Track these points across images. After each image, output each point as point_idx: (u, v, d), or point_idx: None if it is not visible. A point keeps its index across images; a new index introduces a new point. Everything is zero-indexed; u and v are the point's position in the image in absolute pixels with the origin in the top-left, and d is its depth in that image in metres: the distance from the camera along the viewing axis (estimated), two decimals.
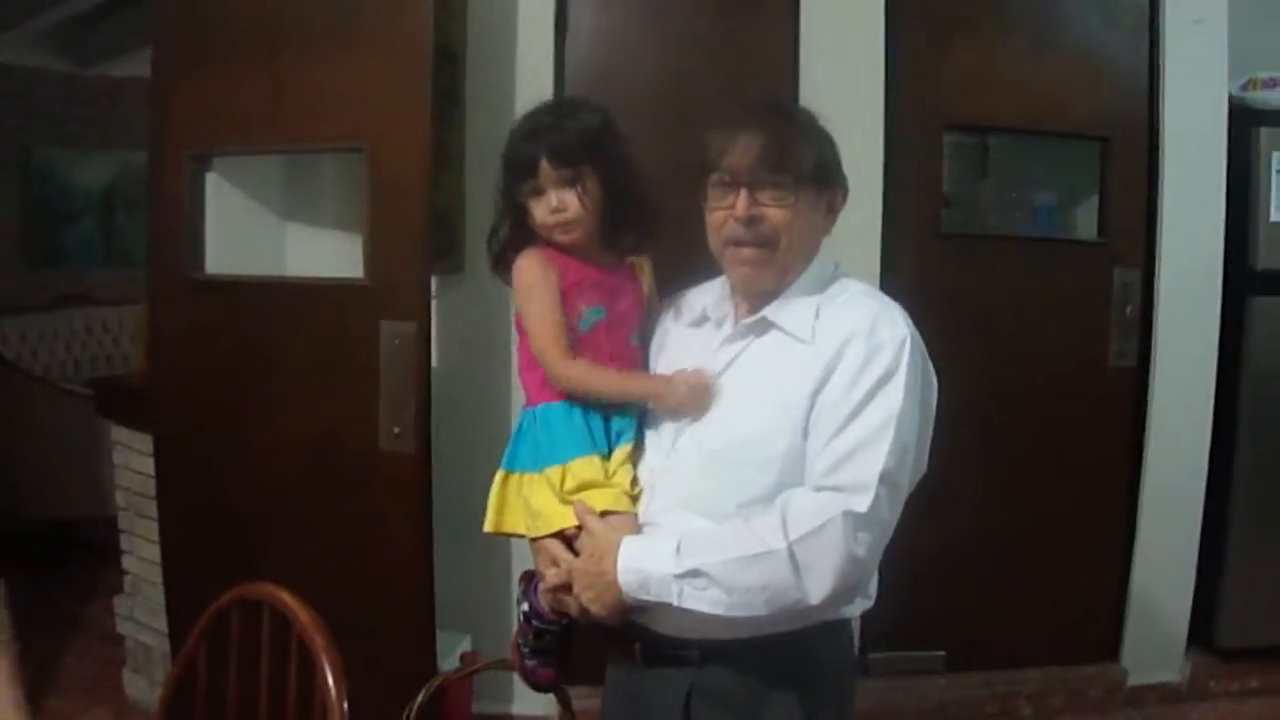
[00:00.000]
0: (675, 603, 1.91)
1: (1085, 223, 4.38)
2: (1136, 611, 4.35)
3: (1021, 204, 4.54)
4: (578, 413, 2.14)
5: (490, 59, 3.77)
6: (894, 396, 1.91)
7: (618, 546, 1.99)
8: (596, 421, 2.15)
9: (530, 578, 2.30)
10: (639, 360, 2.28)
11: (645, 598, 1.95)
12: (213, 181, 3.74)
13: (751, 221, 2.01)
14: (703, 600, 1.90)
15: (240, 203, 3.82)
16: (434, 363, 3.36)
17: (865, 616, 2.15)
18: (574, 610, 2.11)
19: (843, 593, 1.89)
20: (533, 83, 3.76)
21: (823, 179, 2.05)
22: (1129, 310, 4.20)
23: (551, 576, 2.11)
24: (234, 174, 3.77)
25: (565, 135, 2.13)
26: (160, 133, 3.70)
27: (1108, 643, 4.39)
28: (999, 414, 4.05)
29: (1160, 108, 4.15)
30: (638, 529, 2.07)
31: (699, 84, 3.78)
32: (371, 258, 3.35)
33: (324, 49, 3.38)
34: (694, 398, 2.06)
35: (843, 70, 3.78)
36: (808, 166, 2.01)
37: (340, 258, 3.79)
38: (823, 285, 2.08)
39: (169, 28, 3.67)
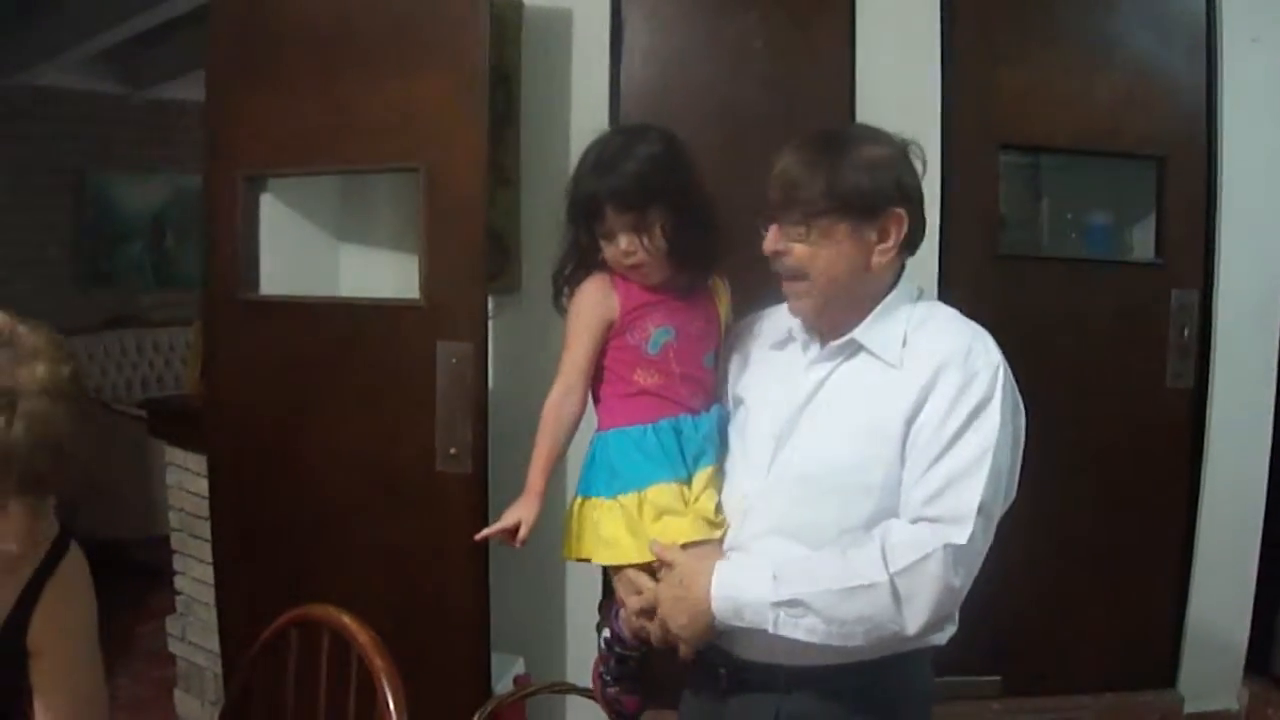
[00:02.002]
0: (770, 629, 1.90)
1: (1141, 243, 4.35)
2: (1193, 638, 4.29)
3: (1076, 225, 4.51)
4: (652, 436, 2.12)
5: (545, 80, 3.76)
6: (990, 425, 1.91)
7: (708, 572, 1.97)
8: (672, 444, 2.13)
9: (611, 605, 2.28)
10: (710, 380, 2.25)
11: (738, 624, 1.94)
12: (267, 202, 3.74)
13: (777, 256, 2.03)
14: (799, 628, 1.89)
15: (295, 223, 3.82)
16: (489, 383, 3.35)
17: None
18: (656, 636, 2.10)
19: (937, 622, 1.89)
20: (588, 103, 3.76)
21: (859, 209, 2.00)
22: (1187, 331, 4.15)
23: (635, 602, 2.10)
24: (289, 195, 3.78)
25: (626, 179, 2.10)
26: (215, 154, 3.71)
27: (1164, 669, 4.33)
28: (1055, 436, 4.00)
29: (1218, 126, 4.11)
30: (721, 556, 2.06)
31: (754, 105, 3.76)
32: (428, 278, 3.34)
33: (380, 70, 3.38)
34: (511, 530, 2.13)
35: (898, 91, 3.76)
36: (827, 198, 1.98)
37: (395, 278, 3.78)
38: (909, 310, 2.06)
39: (223, 50, 3.68)
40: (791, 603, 1.88)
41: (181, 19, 6.53)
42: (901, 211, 2.01)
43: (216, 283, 3.73)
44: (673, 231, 2.12)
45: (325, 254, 3.95)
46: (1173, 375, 4.18)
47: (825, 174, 1.99)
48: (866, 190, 2.00)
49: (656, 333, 2.17)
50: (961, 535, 1.85)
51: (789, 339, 2.20)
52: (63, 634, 1.91)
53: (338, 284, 3.97)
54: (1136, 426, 4.18)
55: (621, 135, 2.21)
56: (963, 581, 1.87)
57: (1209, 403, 4.20)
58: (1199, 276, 4.17)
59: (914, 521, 1.90)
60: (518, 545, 2.13)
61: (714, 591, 1.94)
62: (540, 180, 3.76)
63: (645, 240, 2.11)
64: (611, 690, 2.30)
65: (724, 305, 2.30)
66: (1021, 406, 2.01)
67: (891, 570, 1.84)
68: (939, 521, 1.87)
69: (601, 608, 2.36)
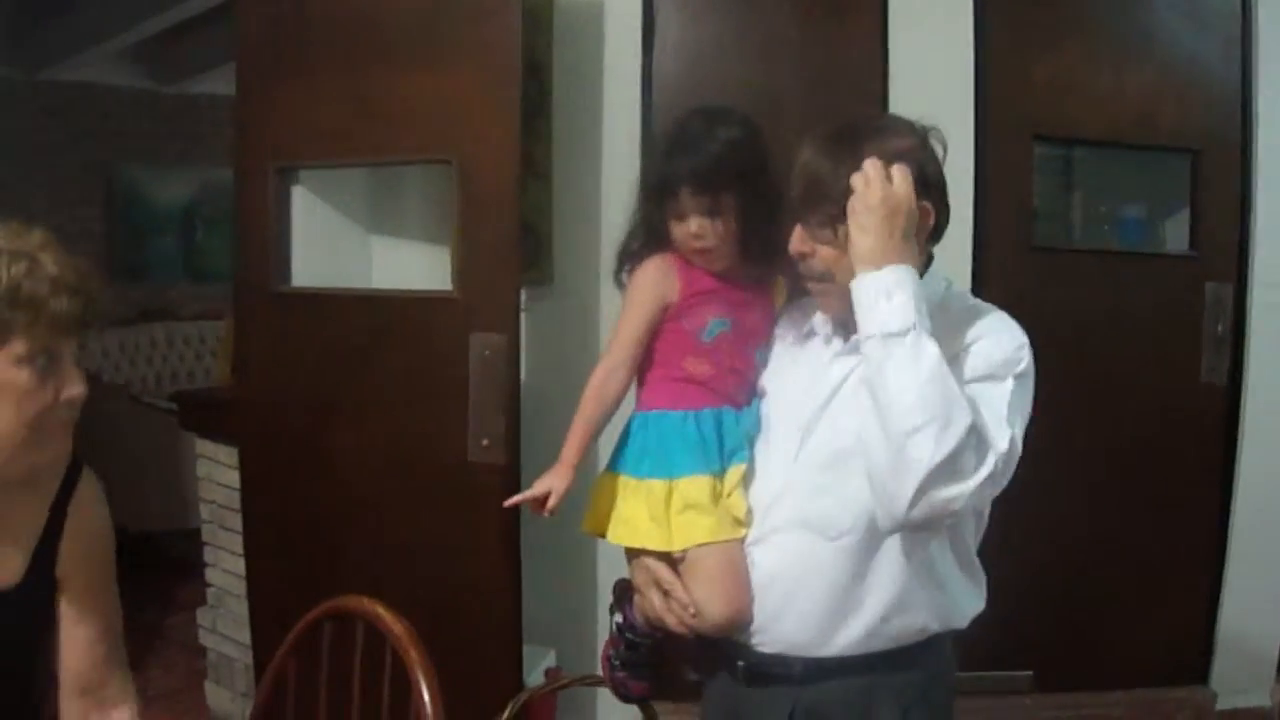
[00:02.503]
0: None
1: (1174, 236, 4.31)
2: (1226, 634, 4.27)
3: (1109, 217, 4.48)
4: (693, 424, 2.10)
5: (577, 70, 3.76)
6: (1009, 382, 1.89)
7: None
8: (711, 436, 2.11)
9: (625, 589, 2.28)
10: (755, 376, 2.23)
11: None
12: (299, 195, 3.75)
13: (802, 258, 2.00)
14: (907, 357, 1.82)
15: (326, 216, 3.83)
16: (522, 375, 3.35)
17: (955, 635, 2.11)
18: (673, 626, 2.09)
19: (924, 505, 1.80)
20: (620, 95, 3.75)
21: None
22: (1221, 325, 4.12)
23: (658, 604, 2.10)
24: (320, 187, 3.78)
25: (704, 161, 2.07)
26: (245, 147, 3.72)
27: (1197, 665, 4.30)
28: (1089, 429, 3.99)
29: (1253, 119, 4.07)
30: (742, 558, 2.06)
31: (788, 95, 3.73)
32: (460, 270, 3.35)
33: (411, 62, 3.38)
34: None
35: (932, 81, 3.73)
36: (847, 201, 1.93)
37: (426, 270, 3.80)
38: (936, 301, 2.02)
39: (253, 42, 3.69)
40: (915, 346, 1.81)
41: (210, 13, 6.55)
42: (927, 204, 1.98)
43: (248, 275, 3.73)
44: (744, 219, 2.10)
45: (357, 246, 3.95)
46: (1207, 369, 4.14)
47: (849, 171, 1.94)
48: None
49: (713, 322, 2.15)
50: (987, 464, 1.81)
51: (812, 333, 2.18)
52: (88, 559, 1.96)
53: (370, 276, 3.97)
54: (1170, 421, 4.14)
55: (703, 116, 2.17)
56: (978, 489, 1.81)
57: (1243, 397, 4.17)
58: (1233, 270, 4.13)
59: None
60: (546, 514, 2.11)
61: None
62: (572, 172, 3.75)
63: (717, 224, 2.09)
64: (620, 674, 2.29)
65: (779, 302, 2.28)
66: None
67: (966, 421, 1.78)
68: None
69: (615, 588, 2.35)
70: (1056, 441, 3.51)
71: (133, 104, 8.50)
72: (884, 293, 1.83)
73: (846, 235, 1.92)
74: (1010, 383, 1.88)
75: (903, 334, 1.80)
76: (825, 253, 1.97)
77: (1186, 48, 4.05)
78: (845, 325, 2.07)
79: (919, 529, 1.88)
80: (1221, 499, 4.22)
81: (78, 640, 1.94)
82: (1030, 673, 4.10)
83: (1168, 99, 4.04)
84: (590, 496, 2.21)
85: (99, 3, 7.05)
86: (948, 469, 1.76)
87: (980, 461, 1.79)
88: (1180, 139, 4.09)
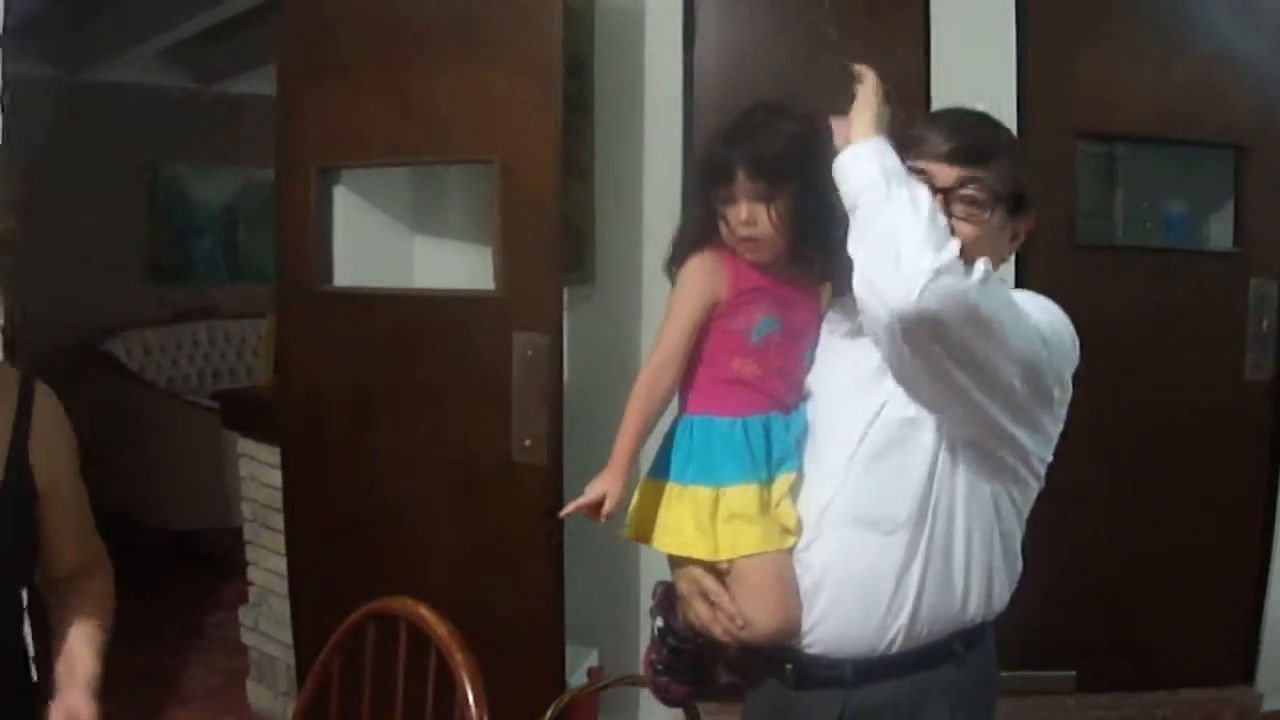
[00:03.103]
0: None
1: (1219, 232, 4.28)
2: (1272, 634, 4.24)
3: (1153, 214, 4.45)
4: (740, 432, 2.07)
5: (619, 69, 3.77)
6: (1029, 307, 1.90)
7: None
8: (760, 444, 2.08)
9: (667, 593, 2.27)
10: (804, 378, 2.20)
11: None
12: (340, 194, 3.77)
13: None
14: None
15: (368, 215, 3.84)
16: (565, 375, 3.35)
17: (997, 635, 2.11)
18: (720, 636, 2.09)
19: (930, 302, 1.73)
20: (661, 93, 3.76)
21: (1017, 204, 1.98)
22: (1265, 322, 4.09)
23: (705, 614, 2.09)
24: (361, 187, 3.80)
25: (764, 148, 2.05)
26: (287, 146, 3.73)
27: (1242, 665, 4.27)
28: (1132, 426, 3.96)
29: None
30: (790, 568, 2.04)
31: (828, 94, 3.72)
32: (503, 269, 3.34)
33: (452, 61, 3.39)
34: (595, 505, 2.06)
35: (974, 79, 3.69)
36: (1007, 185, 1.95)
37: (469, 269, 3.81)
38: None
39: (294, 43, 3.71)
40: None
41: (250, 13, 6.57)
42: (1034, 215, 2.02)
43: (289, 274, 3.75)
44: (798, 213, 2.07)
45: (399, 245, 3.97)
46: (1251, 367, 4.11)
47: (1015, 165, 1.97)
48: (1025, 187, 2.00)
49: (761, 321, 2.11)
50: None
51: (859, 330, 2.16)
52: (54, 455, 2.14)
53: (412, 275, 3.99)
54: (1214, 419, 4.11)
55: (766, 110, 2.14)
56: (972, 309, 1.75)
57: None
58: (1277, 266, 4.10)
59: None
60: (602, 519, 2.06)
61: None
62: (614, 171, 3.76)
63: (770, 213, 2.06)
64: (662, 679, 2.28)
65: (825, 303, 2.27)
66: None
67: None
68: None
69: (656, 592, 2.34)
70: (1100, 439, 3.51)
71: (174, 104, 8.53)
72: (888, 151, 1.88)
73: (996, 220, 1.96)
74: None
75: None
76: (968, 230, 1.92)
77: (1231, 42, 4.01)
78: None
79: (930, 324, 1.75)
80: (1266, 497, 4.19)
81: (53, 522, 2.13)
82: (1073, 673, 4.08)
83: (1212, 95, 4.01)
84: (634, 502, 2.18)
85: (140, 3, 7.09)
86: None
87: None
88: (1224, 135, 4.07)
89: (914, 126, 2.01)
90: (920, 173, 1.94)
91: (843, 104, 1.98)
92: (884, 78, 1.99)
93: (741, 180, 2.04)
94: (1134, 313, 3.99)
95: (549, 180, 3.26)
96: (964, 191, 1.93)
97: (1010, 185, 1.95)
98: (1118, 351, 3.85)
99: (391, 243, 3.93)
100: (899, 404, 1.96)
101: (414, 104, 3.45)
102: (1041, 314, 1.91)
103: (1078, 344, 1.96)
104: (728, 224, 2.09)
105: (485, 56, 3.34)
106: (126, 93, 8.22)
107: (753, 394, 2.11)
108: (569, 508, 2.11)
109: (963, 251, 1.81)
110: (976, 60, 3.80)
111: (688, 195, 2.23)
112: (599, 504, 2.05)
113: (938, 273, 1.69)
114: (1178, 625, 4.14)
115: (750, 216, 2.05)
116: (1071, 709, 4.08)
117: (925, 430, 1.94)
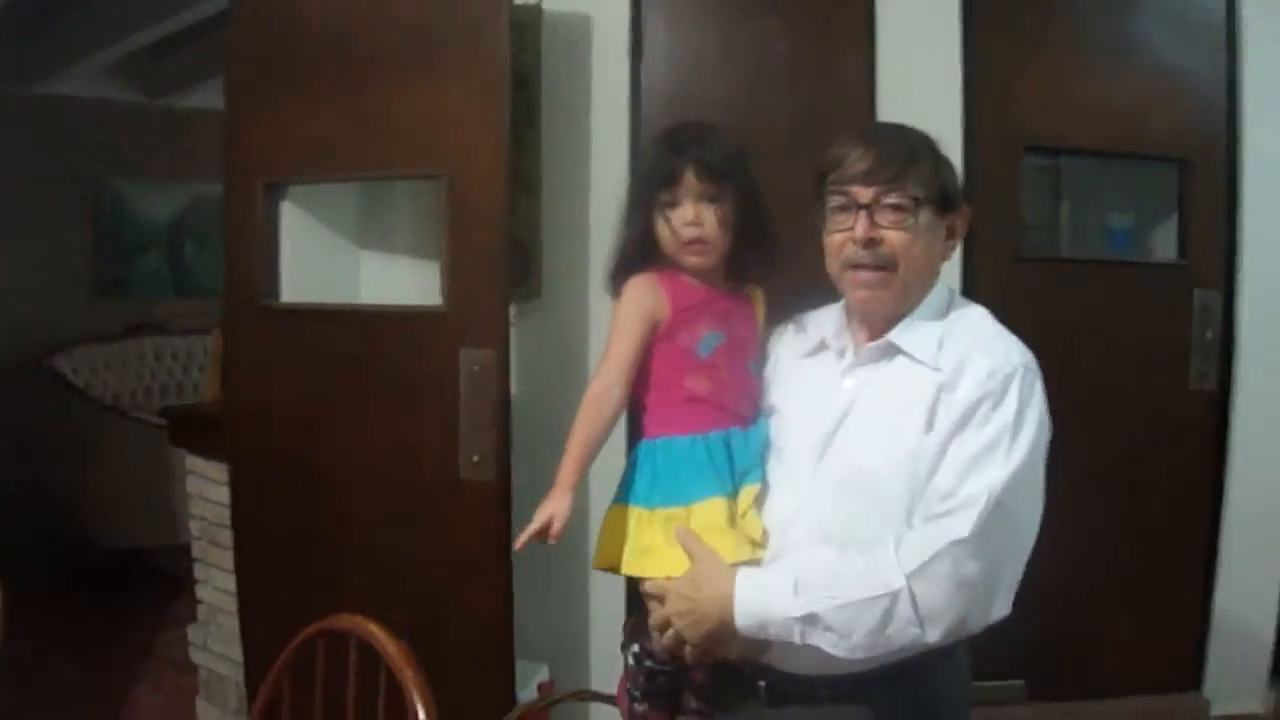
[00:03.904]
0: (797, 641, 1.89)
1: (1162, 244, 4.33)
2: (1219, 641, 4.28)
3: (1098, 226, 4.49)
4: (701, 448, 2.09)
5: (566, 85, 3.76)
6: (1003, 418, 1.89)
7: (725, 580, 1.96)
8: (721, 458, 2.10)
9: (639, 623, 2.26)
10: (757, 387, 2.24)
11: (764, 637, 1.93)
12: (287, 210, 3.74)
13: (870, 244, 1.98)
14: (824, 641, 1.87)
15: (315, 231, 3.82)
16: (512, 390, 3.34)
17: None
18: (692, 654, 2.08)
19: (958, 623, 1.86)
20: (608, 108, 3.75)
21: (944, 202, 2.02)
22: (1209, 333, 4.13)
23: (657, 616, 2.09)
24: (309, 202, 3.77)
25: (713, 151, 2.11)
26: (235, 161, 3.70)
27: (1190, 672, 4.30)
28: (1079, 437, 3.97)
29: (1240, 127, 4.09)
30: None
31: (776, 108, 3.75)
32: (450, 285, 3.33)
33: (400, 76, 3.38)
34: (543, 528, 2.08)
35: (920, 94, 3.73)
36: (928, 188, 1.98)
37: (416, 285, 3.79)
38: (942, 312, 2.05)
39: (243, 57, 3.67)
40: (810, 619, 1.86)
41: (198, 26, 6.55)
42: (968, 209, 2.06)
43: (236, 290, 3.72)
44: (740, 216, 2.14)
45: (346, 261, 3.94)
46: (1196, 376, 4.15)
47: (934, 167, 2.02)
48: (952, 189, 2.04)
49: (707, 335, 2.15)
50: (964, 527, 1.83)
51: (821, 347, 2.19)
52: None
53: (359, 291, 3.97)
54: (1160, 428, 4.15)
55: (699, 123, 2.24)
56: (979, 575, 1.84)
57: (1232, 404, 4.19)
58: (1221, 277, 4.15)
59: (926, 522, 1.89)
60: (552, 542, 2.09)
61: (738, 608, 1.93)
62: (561, 185, 3.75)
63: (714, 214, 2.11)
64: (639, 707, 2.28)
65: (760, 313, 2.29)
66: (1047, 418, 2.01)
67: (906, 572, 1.83)
68: (946, 515, 1.86)
69: (626, 626, 2.34)
70: (1048, 450, 3.52)
71: (122, 118, 8.48)
72: (761, 630, 1.94)
73: (919, 223, 1.98)
74: (1000, 428, 1.90)
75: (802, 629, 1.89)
76: (896, 238, 1.98)
77: (1173, 57, 4.07)
78: (855, 337, 2.12)
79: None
80: (1212, 506, 4.23)
81: None
82: (1021, 682, 4.10)
83: (1155, 108, 4.05)
84: (601, 532, 2.18)
85: (89, 16, 7.04)
86: (958, 617, 1.87)
87: (965, 568, 1.85)
88: (1168, 148, 4.11)
89: (836, 145, 2.05)
90: (841, 193, 2.00)
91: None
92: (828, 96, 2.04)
93: (689, 180, 2.10)
94: (1080, 324, 4.02)
95: (497, 195, 3.25)
96: (886, 201, 1.97)
97: (932, 186, 1.99)
98: (1064, 363, 3.86)
99: (338, 258, 3.91)
100: (856, 446, 2.00)
101: (363, 119, 3.43)
102: (1035, 417, 1.96)
103: (1046, 412, 2.01)
104: (671, 228, 2.13)
105: (433, 71, 3.33)
106: (73, 106, 8.17)
107: (709, 410, 2.13)
108: (521, 538, 2.11)
109: (895, 257, 1.96)
110: (923, 75, 3.83)
111: (625, 213, 2.23)
112: (548, 528, 2.06)
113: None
114: (1126, 633, 4.18)
115: (696, 217, 2.10)
116: (1022, 718, 4.09)
117: (887, 482, 1.96)
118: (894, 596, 1.83)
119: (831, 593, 1.86)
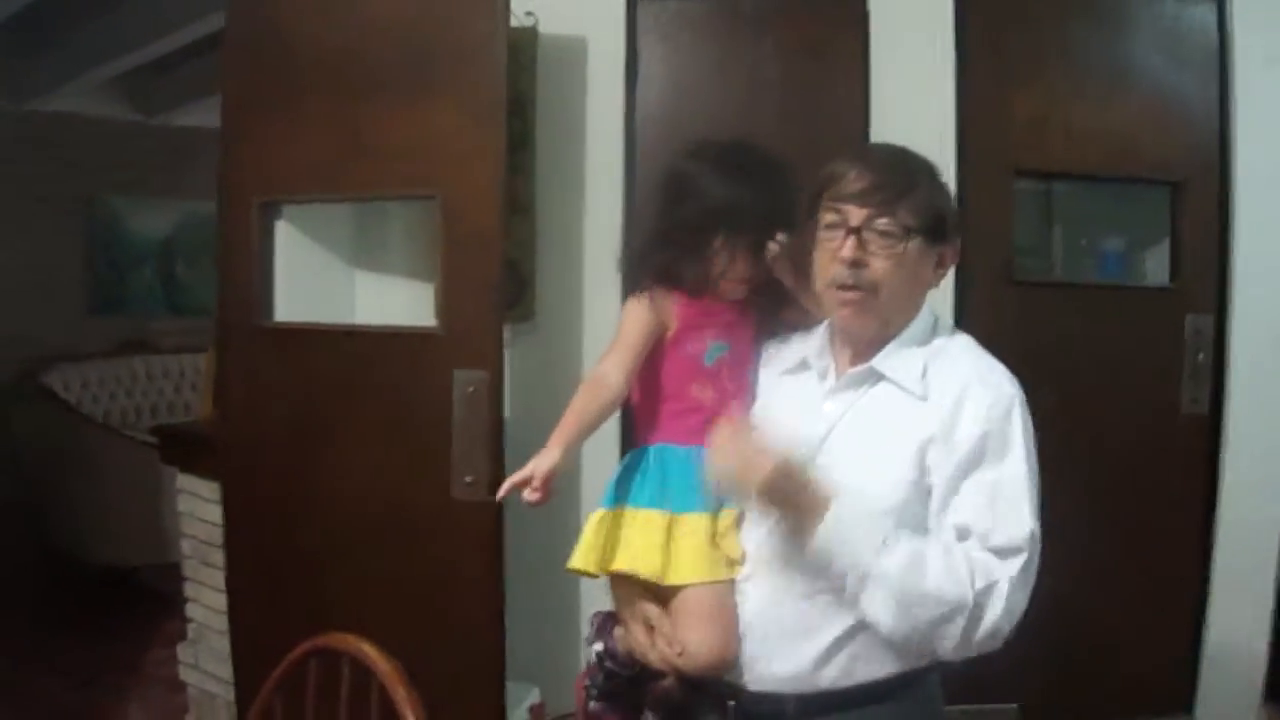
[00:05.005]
0: (848, 590, 1.90)
1: (1154, 268, 4.33)
2: (1210, 664, 4.26)
3: (1090, 250, 4.50)
4: (698, 459, 2.08)
5: (560, 107, 3.77)
6: (1015, 456, 1.95)
7: (825, 491, 1.93)
8: None
9: (606, 620, 2.27)
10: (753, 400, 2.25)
11: (822, 563, 1.92)
12: (282, 229, 3.75)
13: (855, 265, 1.97)
14: (876, 605, 1.88)
15: (309, 250, 3.82)
16: (506, 411, 3.34)
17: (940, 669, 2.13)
18: (656, 663, 2.09)
19: (977, 649, 1.89)
20: (603, 131, 3.77)
21: (936, 233, 2.01)
22: (1201, 356, 4.13)
23: (643, 640, 2.11)
24: (303, 222, 3.78)
25: (792, 201, 2.15)
26: (229, 180, 3.72)
27: (1181, 695, 4.29)
28: (1071, 461, 3.98)
29: (1232, 150, 4.10)
30: (732, 600, 2.05)
31: (769, 130, 3.72)
32: (444, 306, 3.34)
33: (396, 97, 3.39)
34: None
35: (913, 117, 3.73)
36: (921, 217, 1.98)
37: (410, 306, 3.80)
38: (926, 339, 2.06)
39: (239, 76, 3.69)
40: (881, 579, 1.86)
41: (194, 45, 6.56)
42: (959, 242, 2.06)
43: (230, 309, 3.73)
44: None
45: (340, 281, 3.95)
46: (1188, 400, 4.15)
47: (930, 196, 2.01)
48: (947, 220, 2.03)
49: (713, 345, 2.18)
50: (1016, 565, 1.89)
51: (802, 366, 2.19)
52: None
53: (353, 311, 3.97)
54: (1151, 452, 4.14)
55: (750, 149, 2.26)
56: (1021, 607, 1.90)
57: (1224, 428, 4.17)
58: (1213, 301, 4.14)
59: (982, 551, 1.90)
60: (536, 486, 2.01)
61: (831, 517, 1.89)
62: (555, 207, 3.76)
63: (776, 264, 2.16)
64: (595, 705, 2.28)
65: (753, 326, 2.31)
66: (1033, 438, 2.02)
67: (976, 587, 1.85)
68: (1001, 554, 1.89)
69: (594, 620, 2.34)
70: (1040, 474, 3.52)
71: (116, 135, 8.49)
72: (837, 542, 1.90)
73: (906, 251, 1.98)
74: (1015, 464, 1.96)
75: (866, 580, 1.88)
76: (880, 265, 1.98)
77: (1165, 81, 4.07)
78: (838, 359, 2.12)
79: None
80: (1204, 529, 4.22)
81: None
82: (1016, 705, 4.09)
83: (1147, 132, 4.06)
84: (583, 535, 2.17)
85: (86, 33, 7.06)
86: (988, 640, 1.89)
87: (1016, 601, 1.90)
88: (1160, 172, 4.11)
89: (836, 162, 2.05)
90: (834, 210, 2.00)
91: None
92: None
93: (776, 234, 2.14)
94: (1071, 348, 4.01)
95: (491, 217, 3.27)
96: (876, 226, 1.97)
97: (926, 215, 1.99)
98: (1056, 386, 3.87)
99: (332, 278, 3.91)
100: (836, 471, 1.99)
101: (357, 139, 3.44)
102: (1029, 454, 2.01)
103: (1026, 410, 2.03)
104: (718, 266, 2.17)
105: (429, 93, 3.35)
106: (70, 122, 8.19)
107: (711, 421, 2.12)
108: (505, 486, 2.09)
109: (877, 283, 1.96)
110: (916, 98, 3.83)
111: (691, 233, 2.20)
112: (529, 481, 2.03)
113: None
114: (1118, 656, 4.17)
115: (756, 272, 2.19)
116: None
117: (882, 503, 1.96)
118: (962, 608, 1.84)
119: (916, 572, 1.86)
